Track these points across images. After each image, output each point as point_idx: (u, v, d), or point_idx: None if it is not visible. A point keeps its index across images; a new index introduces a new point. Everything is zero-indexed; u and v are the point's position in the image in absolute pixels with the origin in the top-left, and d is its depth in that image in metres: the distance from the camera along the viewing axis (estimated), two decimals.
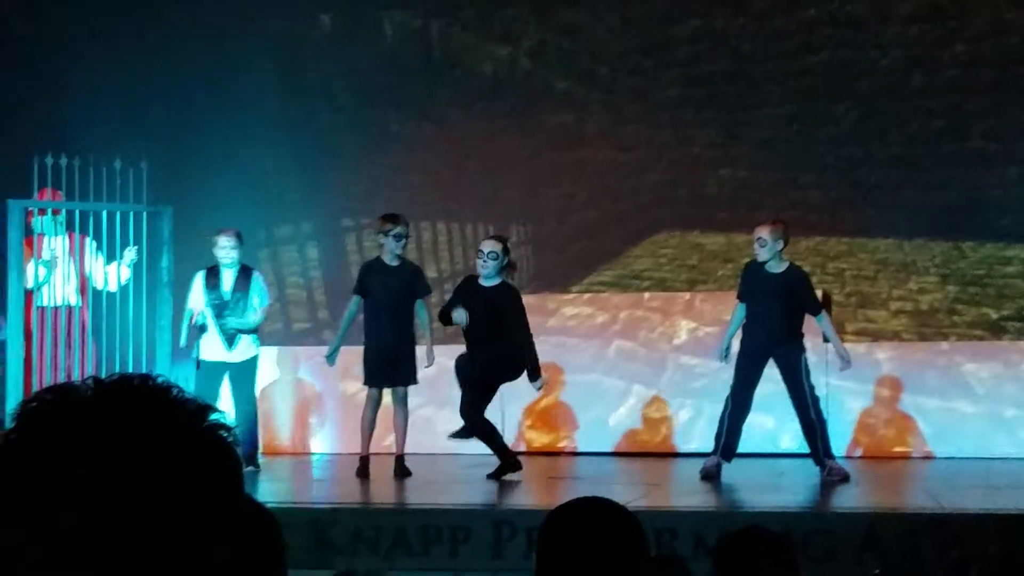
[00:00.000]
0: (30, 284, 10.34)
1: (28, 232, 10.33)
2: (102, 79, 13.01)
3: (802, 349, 9.43)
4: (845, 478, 9.21)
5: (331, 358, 10.23)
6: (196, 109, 13.01)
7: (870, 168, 12.20)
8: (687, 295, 12.14)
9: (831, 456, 9.39)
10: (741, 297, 9.74)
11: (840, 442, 11.17)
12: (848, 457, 10.89)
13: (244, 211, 12.08)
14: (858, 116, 12.25)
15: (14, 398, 9.99)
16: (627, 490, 8.48)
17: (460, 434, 9.75)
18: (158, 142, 11.96)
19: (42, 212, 10.41)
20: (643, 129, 12.73)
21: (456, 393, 11.70)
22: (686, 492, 8.89)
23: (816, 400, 9.38)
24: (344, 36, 13.26)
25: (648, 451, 11.59)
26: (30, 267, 10.31)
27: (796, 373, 9.33)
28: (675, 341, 11.93)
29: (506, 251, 9.83)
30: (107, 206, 10.44)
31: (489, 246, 9.79)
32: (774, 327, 9.40)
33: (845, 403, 11.37)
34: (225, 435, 1.32)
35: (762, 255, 9.51)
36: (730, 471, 9.47)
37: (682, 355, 11.84)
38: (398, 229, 10.11)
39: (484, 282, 9.76)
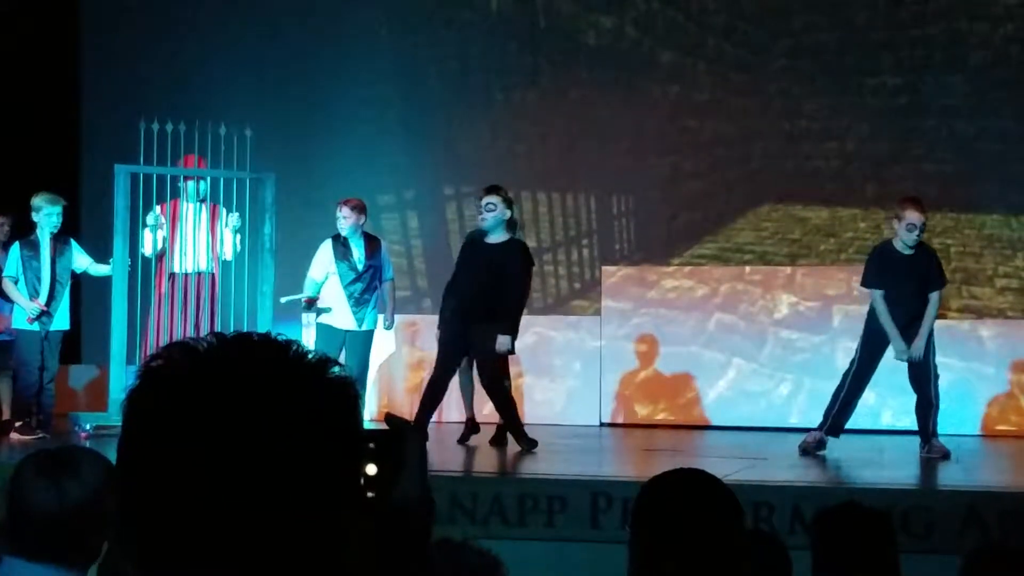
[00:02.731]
0: (148, 252, 10.43)
1: (168, 197, 10.43)
2: (208, 46, 13.13)
3: None
4: (945, 456, 9.10)
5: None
6: (300, 76, 13.09)
7: (981, 142, 12.00)
8: (788, 269, 12.05)
9: (935, 434, 9.28)
10: (875, 284, 9.38)
11: (943, 420, 11.04)
12: (951, 435, 10.76)
13: (346, 178, 12.14)
14: (970, 89, 12.06)
15: (119, 363, 10.11)
16: (725, 463, 8.44)
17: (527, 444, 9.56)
18: (262, 109, 12.06)
19: (188, 179, 10.50)
20: (750, 100, 12.62)
21: (557, 364, 11.75)
22: (784, 466, 8.83)
23: (937, 378, 9.29)
24: (450, 4, 13.27)
25: (746, 425, 11.52)
26: (148, 234, 10.40)
27: (927, 350, 9.25)
28: (776, 315, 11.86)
29: (508, 204, 9.57)
30: (211, 172, 10.53)
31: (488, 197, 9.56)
32: (912, 307, 9.28)
33: (948, 380, 11.22)
34: (347, 389, 1.34)
35: (913, 239, 9.25)
36: (830, 447, 9.39)
37: (783, 329, 11.76)
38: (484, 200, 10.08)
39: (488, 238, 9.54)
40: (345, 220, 10.27)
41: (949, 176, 12.05)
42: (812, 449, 9.32)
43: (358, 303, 10.32)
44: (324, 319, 10.34)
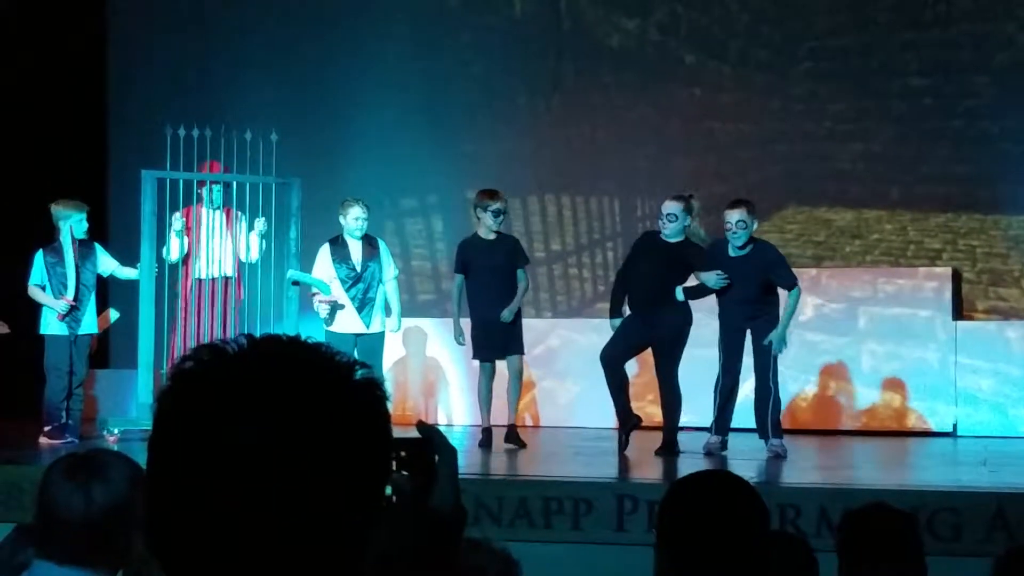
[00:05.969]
0: (174, 258, 10.45)
1: (187, 203, 10.47)
2: (233, 52, 13.18)
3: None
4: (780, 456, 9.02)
5: (461, 338, 10.18)
6: (325, 81, 13.12)
7: (1007, 143, 11.95)
8: (813, 271, 11.99)
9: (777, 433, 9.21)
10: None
11: (970, 420, 11.01)
12: (980, 436, 10.72)
13: (371, 182, 12.16)
14: (995, 90, 12.02)
15: (146, 367, 10.14)
16: (749, 465, 8.43)
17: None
18: (287, 113, 12.08)
19: (210, 184, 10.52)
20: (774, 102, 12.60)
21: (577, 366, 11.71)
22: (810, 468, 8.81)
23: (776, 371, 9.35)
24: (474, 8, 13.28)
25: None
26: (175, 240, 10.41)
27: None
28: (800, 317, 11.79)
29: (688, 211, 9.61)
30: (236, 177, 10.54)
31: (669, 207, 9.58)
32: (752, 303, 9.44)
33: (974, 382, 11.19)
34: (375, 390, 1.35)
35: (740, 239, 9.36)
36: (856, 449, 9.36)
37: (807, 331, 11.70)
38: (497, 205, 10.00)
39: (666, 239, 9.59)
40: (359, 220, 10.23)
41: (974, 177, 12.00)
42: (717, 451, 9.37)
43: (362, 305, 10.27)
44: (332, 327, 10.26)
